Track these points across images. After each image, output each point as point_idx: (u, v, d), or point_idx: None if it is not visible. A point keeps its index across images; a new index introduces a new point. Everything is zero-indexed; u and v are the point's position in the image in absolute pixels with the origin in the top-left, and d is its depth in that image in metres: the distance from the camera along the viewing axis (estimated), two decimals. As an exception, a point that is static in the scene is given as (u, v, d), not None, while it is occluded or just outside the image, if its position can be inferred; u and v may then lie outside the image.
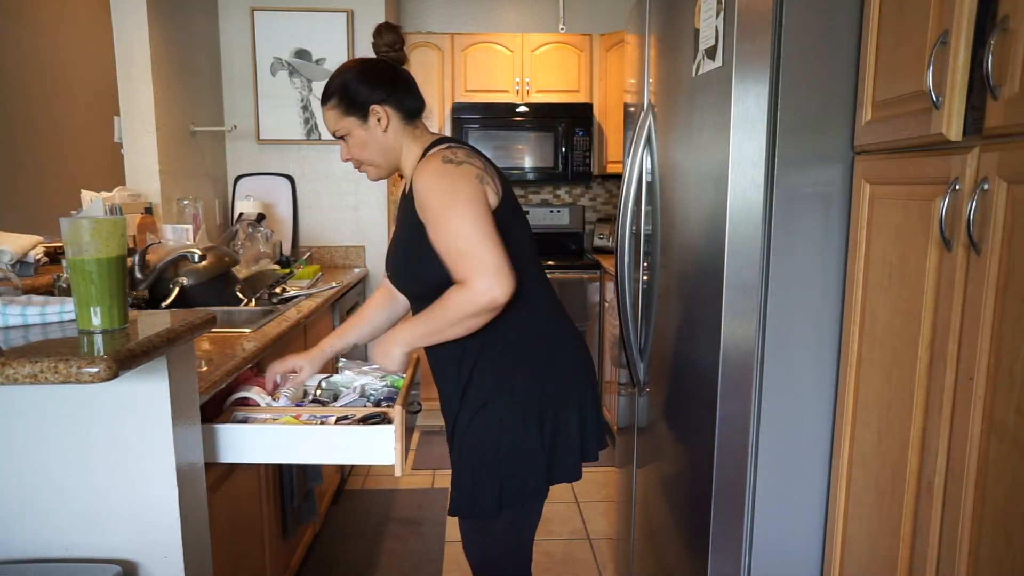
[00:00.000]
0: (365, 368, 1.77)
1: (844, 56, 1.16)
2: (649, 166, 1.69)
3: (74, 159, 3.16)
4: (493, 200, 1.33)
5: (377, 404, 1.59)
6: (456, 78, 3.75)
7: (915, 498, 1.01)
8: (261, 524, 1.79)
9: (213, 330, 1.82)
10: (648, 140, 1.68)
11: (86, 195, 2.29)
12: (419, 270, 1.39)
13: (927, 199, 0.97)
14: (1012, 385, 0.82)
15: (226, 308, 2.21)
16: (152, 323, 1.09)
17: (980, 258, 0.86)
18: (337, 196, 3.43)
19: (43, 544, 1.15)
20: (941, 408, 0.94)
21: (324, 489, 2.56)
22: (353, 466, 3.16)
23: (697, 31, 1.34)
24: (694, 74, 1.37)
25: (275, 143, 3.33)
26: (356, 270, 3.29)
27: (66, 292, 1.77)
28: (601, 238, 4.04)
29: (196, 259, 2.12)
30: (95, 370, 0.89)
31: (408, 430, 1.52)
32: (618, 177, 4.11)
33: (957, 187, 0.90)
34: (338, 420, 1.45)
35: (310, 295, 2.47)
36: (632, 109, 1.88)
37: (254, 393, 1.54)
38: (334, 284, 2.72)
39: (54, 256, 2.02)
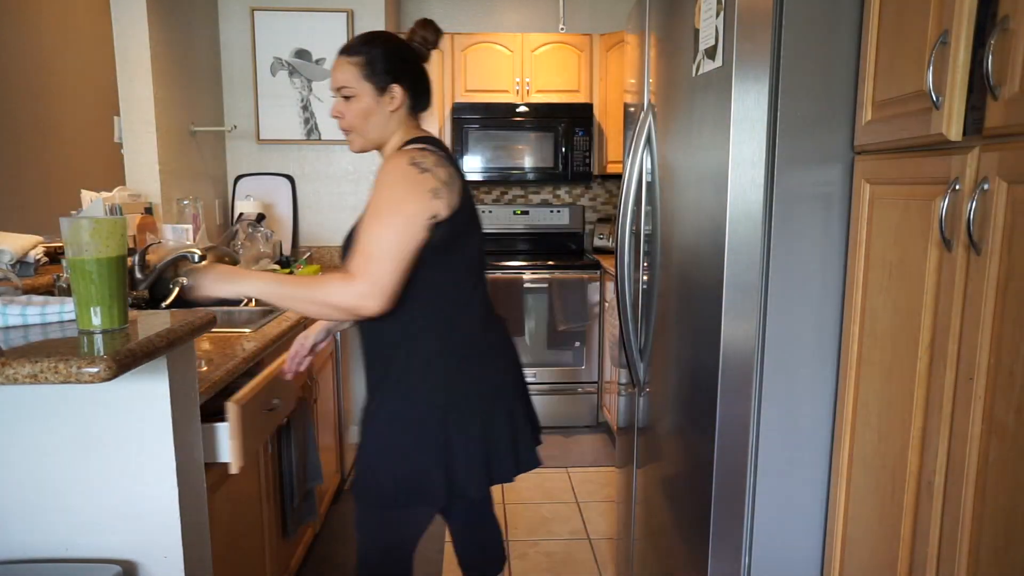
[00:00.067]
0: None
1: (844, 56, 1.16)
2: (649, 166, 1.69)
3: (74, 159, 3.16)
4: (443, 212, 1.34)
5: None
6: (456, 78, 3.75)
7: (915, 498, 1.01)
8: (261, 524, 1.78)
9: (213, 330, 1.82)
10: (648, 140, 1.68)
11: (86, 195, 2.29)
12: None
13: (927, 199, 0.97)
14: (1012, 385, 0.82)
15: (226, 308, 2.21)
16: (152, 323, 1.09)
17: (980, 258, 0.86)
18: (337, 196, 3.43)
19: (43, 544, 1.15)
20: (941, 408, 0.94)
21: (324, 489, 2.56)
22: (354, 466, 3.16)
23: (697, 31, 1.34)
24: (694, 74, 1.37)
25: (275, 143, 3.33)
26: (356, 270, 3.29)
27: (66, 292, 1.77)
28: (601, 238, 4.04)
29: (196, 259, 2.12)
30: (95, 370, 0.89)
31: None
32: (618, 177, 4.11)
33: (957, 187, 0.90)
34: None
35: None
36: (632, 109, 1.88)
37: None
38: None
39: (54, 256, 2.02)
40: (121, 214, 2.27)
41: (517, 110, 3.70)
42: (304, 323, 2.14)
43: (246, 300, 1.63)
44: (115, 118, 3.35)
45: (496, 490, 3.01)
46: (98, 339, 1.00)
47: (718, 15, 1.24)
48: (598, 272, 3.63)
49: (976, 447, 0.88)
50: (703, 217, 1.33)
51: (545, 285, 3.62)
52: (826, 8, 1.15)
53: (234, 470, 1.43)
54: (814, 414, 1.26)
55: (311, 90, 3.30)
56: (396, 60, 1.43)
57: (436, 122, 3.77)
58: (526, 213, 4.10)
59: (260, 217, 3.03)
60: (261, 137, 3.31)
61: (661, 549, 1.68)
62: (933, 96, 0.92)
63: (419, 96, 1.48)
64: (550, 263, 3.65)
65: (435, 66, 3.73)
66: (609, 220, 4.16)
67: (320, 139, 3.34)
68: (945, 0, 0.91)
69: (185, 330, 1.09)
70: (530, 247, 4.15)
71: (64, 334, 1.05)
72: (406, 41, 1.48)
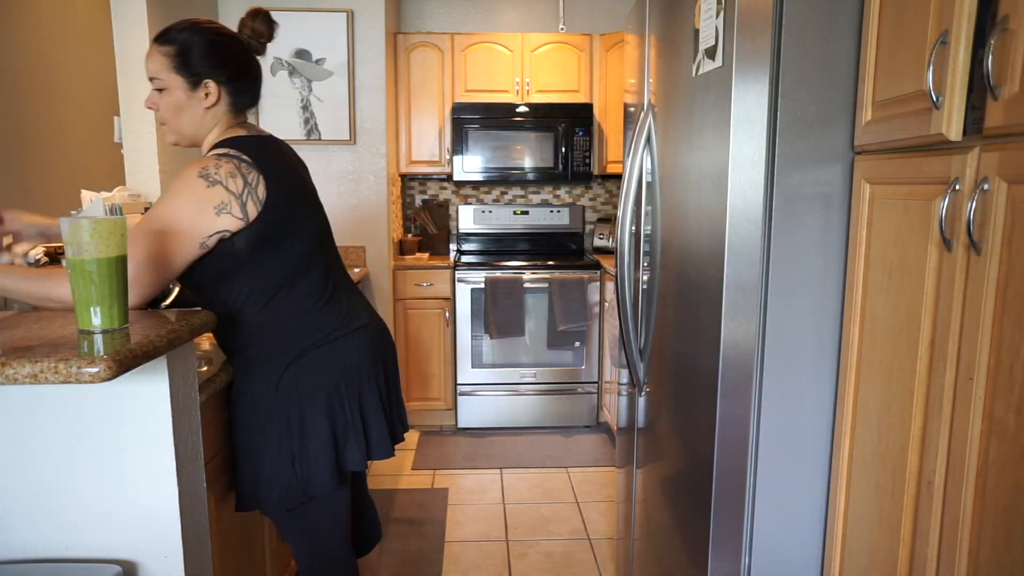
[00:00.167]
0: None
1: (844, 56, 1.16)
2: (649, 166, 1.69)
3: (74, 159, 3.16)
4: (234, 225, 1.29)
5: None
6: (456, 78, 3.75)
7: (915, 498, 1.01)
8: (261, 524, 1.79)
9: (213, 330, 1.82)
10: (648, 140, 1.68)
11: (86, 195, 2.29)
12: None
13: (927, 199, 0.97)
14: (1012, 385, 0.82)
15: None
16: (152, 323, 1.09)
17: (980, 258, 0.86)
18: (337, 196, 3.43)
19: (43, 544, 1.15)
20: (941, 408, 0.94)
21: (324, 489, 2.55)
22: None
23: (697, 31, 1.34)
24: (694, 74, 1.37)
25: (275, 143, 3.33)
26: (356, 270, 3.29)
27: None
28: (601, 238, 4.04)
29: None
30: (95, 370, 0.89)
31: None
32: (618, 177, 4.11)
33: (957, 187, 0.90)
34: None
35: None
36: (632, 109, 1.88)
37: None
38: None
39: (54, 256, 2.02)
40: (121, 214, 2.27)
41: (517, 110, 3.70)
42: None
43: None
44: (115, 118, 3.36)
45: (496, 490, 3.02)
46: (98, 339, 1.00)
47: (718, 15, 1.24)
48: (598, 272, 3.63)
49: (976, 447, 0.88)
50: (703, 217, 1.33)
51: (545, 285, 3.62)
52: (826, 8, 1.15)
53: None
54: (814, 414, 1.26)
55: (311, 90, 3.30)
56: (214, 53, 1.36)
57: (436, 122, 3.77)
58: (526, 213, 4.10)
59: (260, 217, 3.02)
60: (261, 137, 3.31)
61: (661, 549, 1.68)
62: (933, 96, 0.92)
63: (240, 94, 1.41)
64: (550, 263, 3.65)
65: (435, 66, 3.73)
66: (609, 220, 4.16)
67: (320, 139, 3.34)
68: (945, 0, 0.91)
69: (185, 330, 1.09)
70: (530, 247, 4.15)
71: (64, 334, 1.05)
72: (231, 33, 1.41)
